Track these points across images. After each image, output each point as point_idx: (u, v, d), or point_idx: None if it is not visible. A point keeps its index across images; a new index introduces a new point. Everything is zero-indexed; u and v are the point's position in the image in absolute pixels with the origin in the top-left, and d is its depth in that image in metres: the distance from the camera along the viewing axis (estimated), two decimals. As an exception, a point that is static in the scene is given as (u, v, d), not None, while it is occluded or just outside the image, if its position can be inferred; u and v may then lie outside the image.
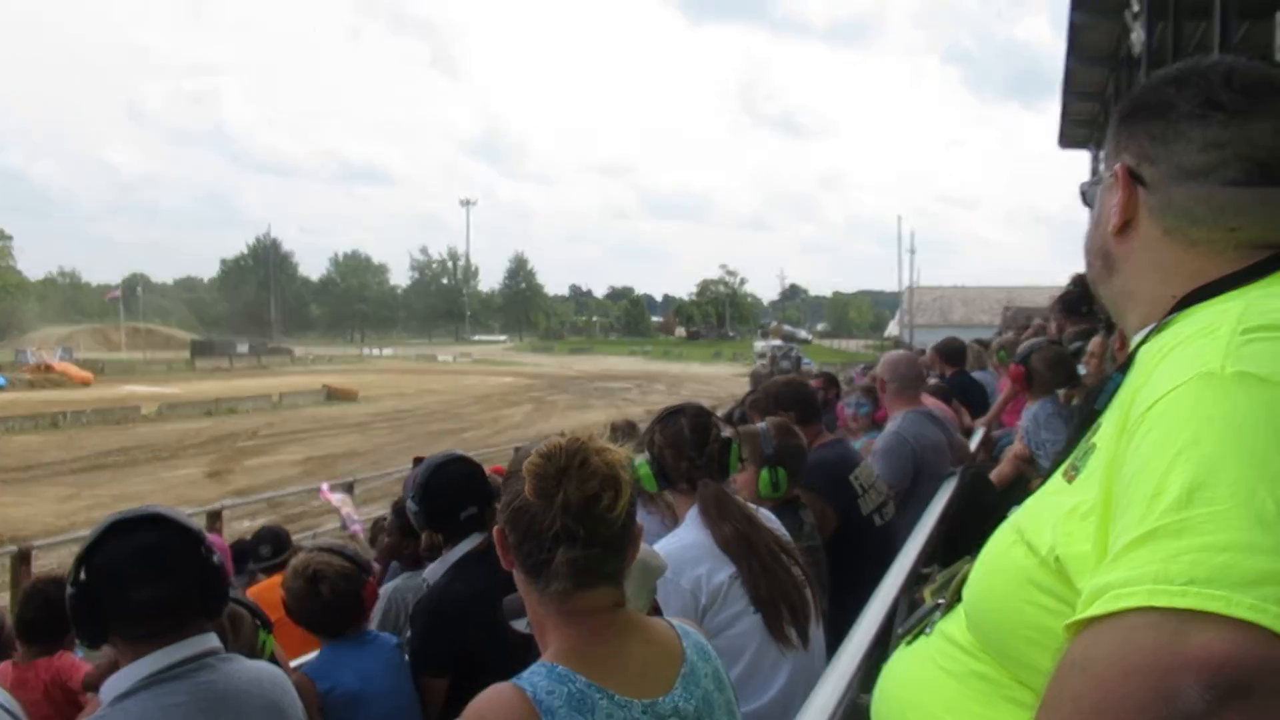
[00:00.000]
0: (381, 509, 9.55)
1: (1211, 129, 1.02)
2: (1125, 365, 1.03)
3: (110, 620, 1.83)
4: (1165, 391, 0.84)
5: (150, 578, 1.83)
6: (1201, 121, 1.03)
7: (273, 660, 2.94)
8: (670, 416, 2.77)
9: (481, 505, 2.92)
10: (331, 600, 2.81)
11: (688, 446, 2.68)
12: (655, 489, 2.74)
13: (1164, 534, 0.72)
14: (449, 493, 2.91)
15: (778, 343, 73.04)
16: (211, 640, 1.91)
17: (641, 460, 2.69)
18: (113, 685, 1.82)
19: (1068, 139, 20.93)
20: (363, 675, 2.74)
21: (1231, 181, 1.01)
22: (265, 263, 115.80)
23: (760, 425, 3.33)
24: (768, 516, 2.76)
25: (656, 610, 2.21)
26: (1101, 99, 17.68)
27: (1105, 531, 0.86)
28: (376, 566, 4.12)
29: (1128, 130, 1.10)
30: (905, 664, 1.21)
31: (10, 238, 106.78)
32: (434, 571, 2.93)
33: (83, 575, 1.83)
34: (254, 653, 2.71)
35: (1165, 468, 0.76)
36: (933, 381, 6.72)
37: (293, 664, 3.33)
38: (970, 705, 1.05)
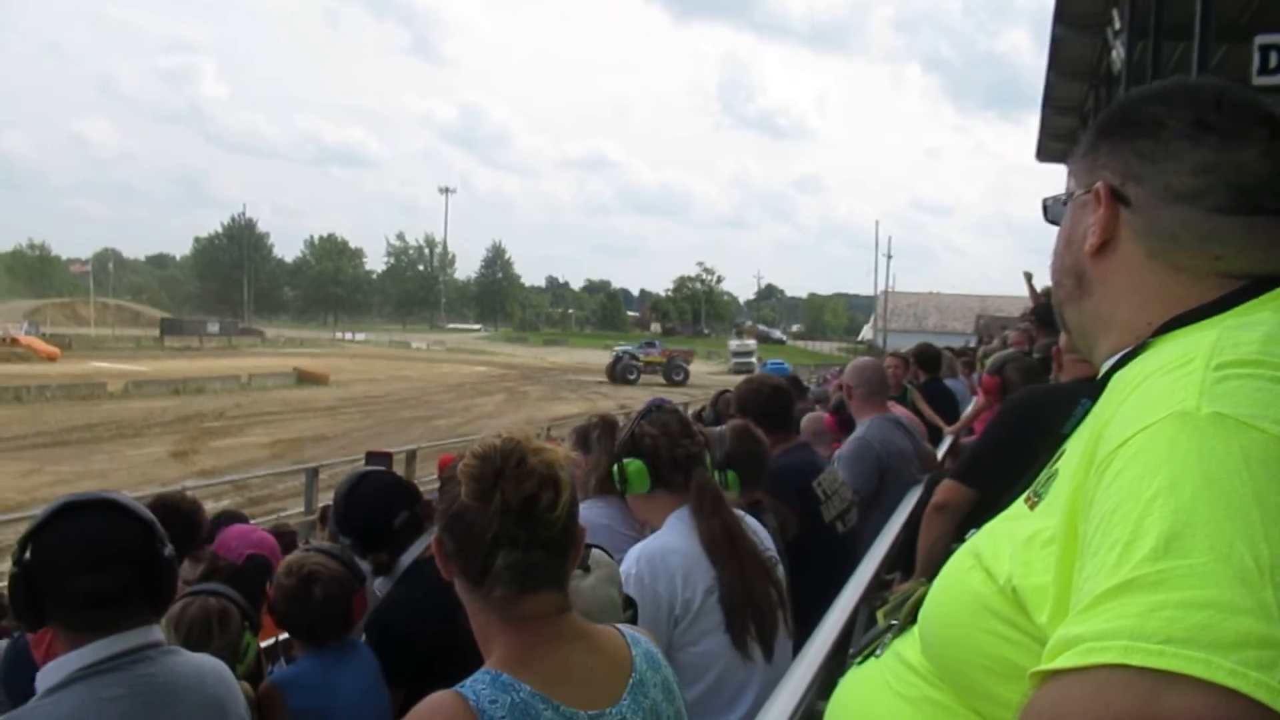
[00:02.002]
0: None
1: (1202, 151, 0.99)
2: (1096, 392, 1.00)
3: (48, 605, 1.78)
4: (1138, 429, 0.80)
5: (93, 567, 1.77)
6: (1193, 143, 0.99)
7: (256, 664, 2.88)
8: (654, 411, 2.72)
9: (411, 505, 2.84)
10: (323, 604, 2.63)
11: (680, 435, 2.63)
12: (647, 488, 2.64)
13: (1140, 586, 0.69)
14: (375, 508, 2.82)
15: (750, 342, 73.34)
16: (154, 633, 1.85)
17: (631, 459, 2.62)
18: (48, 675, 1.76)
19: (1046, 152, 21.12)
20: (340, 691, 2.58)
21: (1218, 208, 0.98)
22: (239, 242, 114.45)
23: (719, 429, 3.31)
24: (753, 526, 2.72)
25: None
26: (1080, 114, 17.85)
27: (1067, 564, 0.84)
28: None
29: (1109, 146, 1.05)
30: (858, 685, 1.19)
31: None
32: (383, 585, 2.86)
33: (27, 556, 1.78)
34: (236, 652, 2.64)
35: (1140, 513, 0.73)
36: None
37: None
38: None
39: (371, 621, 2.77)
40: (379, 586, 2.88)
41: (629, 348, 58.06)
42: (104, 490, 1.93)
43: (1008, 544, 0.95)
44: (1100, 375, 1.04)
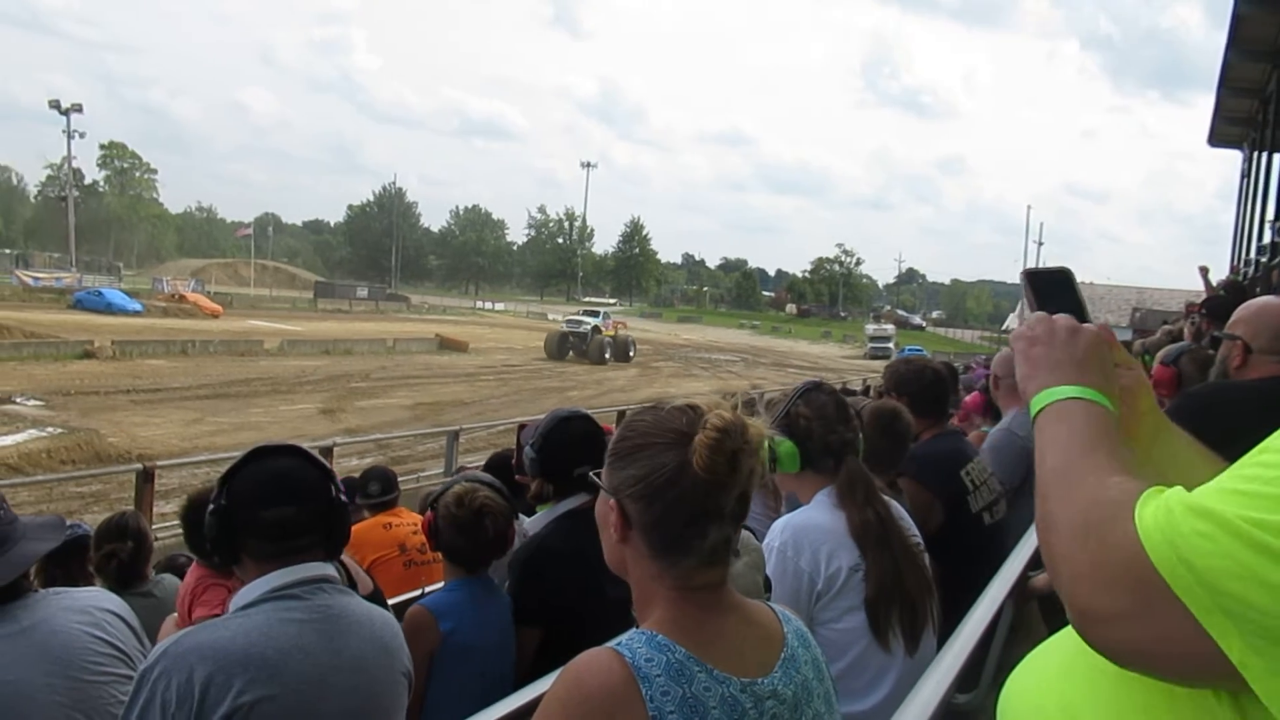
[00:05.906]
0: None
1: None
2: None
3: (241, 537, 1.93)
4: None
5: (281, 499, 1.93)
6: None
7: None
8: (811, 391, 2.67)
9: (596, 462, 2.93)
10: (493, 539, 2.80)
11: (835, 420, 2.59)
12: (796, 469, 2.59)
13: None
14: (568, 447, 2.91)
15: (888, 327, 71.99)
16: (329, 569, 1.99)
17: (783, 439, 2.55)
18: (240, 597, 1.93)
19: (1219, 137, 19.83)
20: (482, 624, 2.72)
21: None
22: (389, 210, 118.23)
23: (862, 402, 3.25)
24: (900, 513, 2.67)
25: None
26: (1261, 96, 16.68)
27: None
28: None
29: None
30: (1047, 658, 1.13)
31: (155, 171, 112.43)
32: (536, 522, 2.96)
33: (223, 499, 1.94)
34: None
35: None
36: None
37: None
38: (1126, 709, 0.97)
39: (516, 559, 2.86)
40: (531, 524, 2.97)
41: (594, 317, 47.67)
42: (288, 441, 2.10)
43: None
44: None
